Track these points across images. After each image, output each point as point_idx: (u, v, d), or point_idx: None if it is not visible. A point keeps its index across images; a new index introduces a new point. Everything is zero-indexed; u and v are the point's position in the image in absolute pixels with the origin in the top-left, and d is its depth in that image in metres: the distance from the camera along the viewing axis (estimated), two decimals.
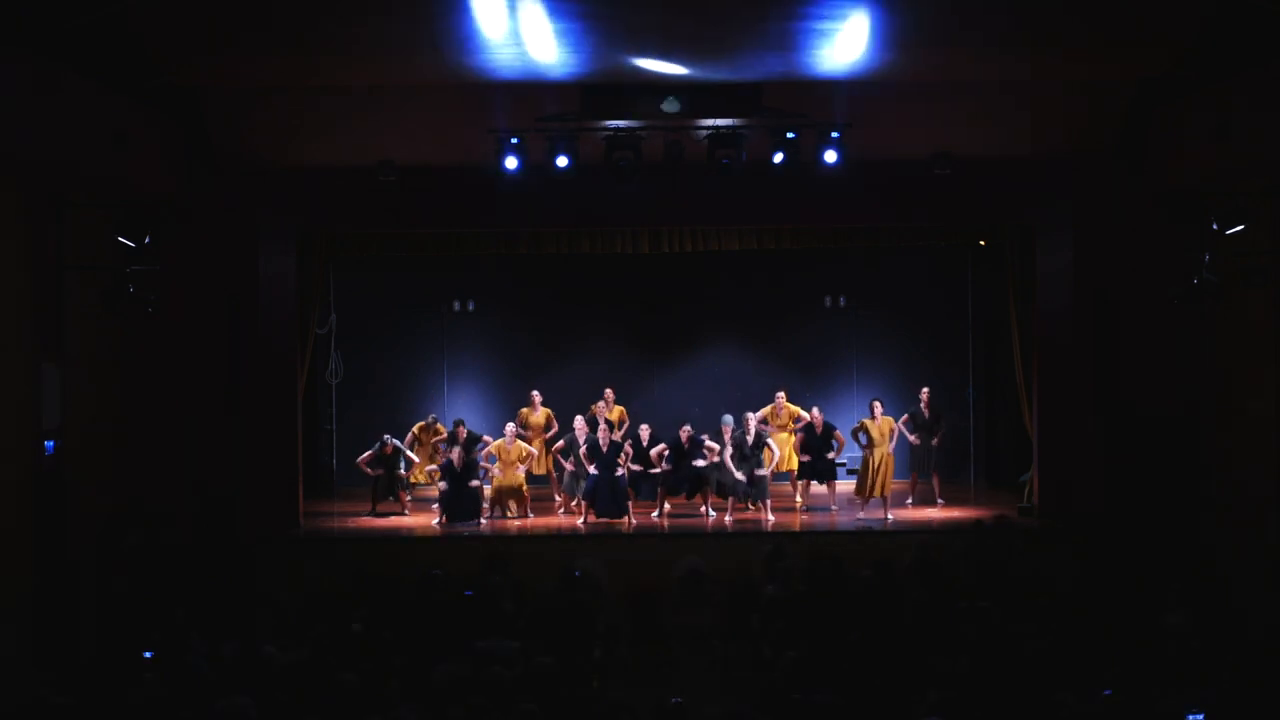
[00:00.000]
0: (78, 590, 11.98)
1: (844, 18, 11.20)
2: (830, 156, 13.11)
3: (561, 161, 13.08)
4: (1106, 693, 8.17)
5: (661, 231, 16.32)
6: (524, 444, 15.42)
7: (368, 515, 15.54)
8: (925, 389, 15.99)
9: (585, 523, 14.84)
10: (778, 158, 13.17)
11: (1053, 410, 14.79)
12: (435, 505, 15.13)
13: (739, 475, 14.81)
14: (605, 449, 14.82)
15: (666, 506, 15.25)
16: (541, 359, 17.91)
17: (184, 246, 13.54)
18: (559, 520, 15.31)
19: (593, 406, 15.89)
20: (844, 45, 11.70)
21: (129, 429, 13.18)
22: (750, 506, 15.12)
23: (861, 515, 15.11)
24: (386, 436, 15.50)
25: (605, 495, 14.75)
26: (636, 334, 18.16)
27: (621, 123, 13.00)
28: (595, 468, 14.81)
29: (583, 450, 14.99)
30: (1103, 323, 14.32)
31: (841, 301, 18.18)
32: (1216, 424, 13.72)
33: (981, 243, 16.69)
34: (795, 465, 15.90)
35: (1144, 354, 14.17)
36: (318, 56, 11.99)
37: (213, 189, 13.96)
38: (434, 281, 17.89)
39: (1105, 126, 13.79)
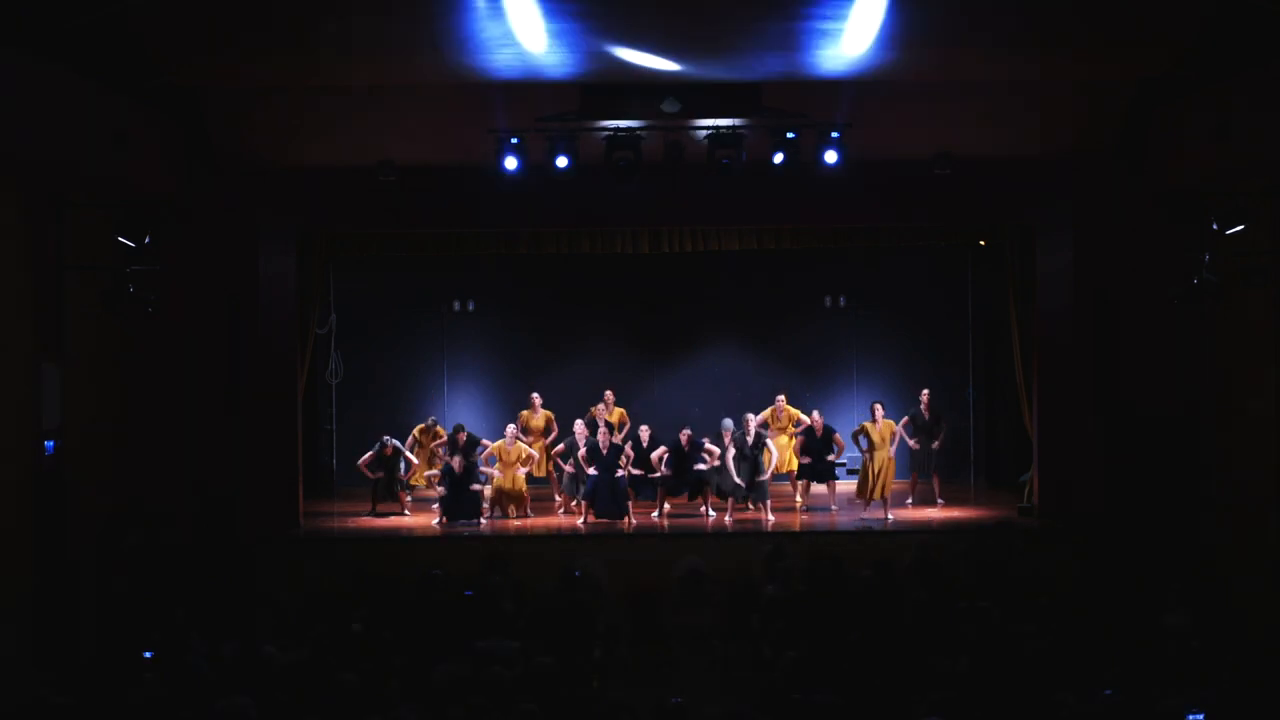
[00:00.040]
0: (78, 590, 11.98)
1: (844, 17, 11.20)
2: (831, 157, 13.10)
3: (561, 162, 13.08)
4: (1107, 692, 8.17)
5: (661, 231, 16.31)
6: (524, 445, 15.42)
7: (368, 515, 15.54)
8: (925, 391, 15.99)
9: (585, 523, 14.84)
10: (778, 158, 13.16)
11: (1053, 410, 14.79)
12: (435, 505, 15.13)
13: (738, 480, 14.82)
14: (605, 451, 14.83)
15: (666, 507, 15.25)
16: (541, 359, 17.91)
17: (184, 246, 13.54)
18: (559, 520, 15.30)
19: (592, 409, 15.88)
20: (844, 45, 11.70)
21: (129, 429, 13.18)
22: (750, 507, 15.12)
23: (863, 516, 15.10)
24: (386, 437, 15.49)
25: (605, 496, 14.76)
26: (636, 334, 18.15)
27: (621, 123, 13.00)
28: (595, 469, 14.82)
29: (582, 453, 15.00)
30: (1103, 323, 14.32)
31: (841, 301, 18.17)
32: (1216, 424, 13.72)
33: (981, 243, 16.69)
34: (795, 466, 15.90)
35: (1144, 354, 14.17)
36: (318, 56, 11.99)
37: (213, 189, 13.96)
38: (434, 281, 17.88)
39: (1105, 126, 13.79)
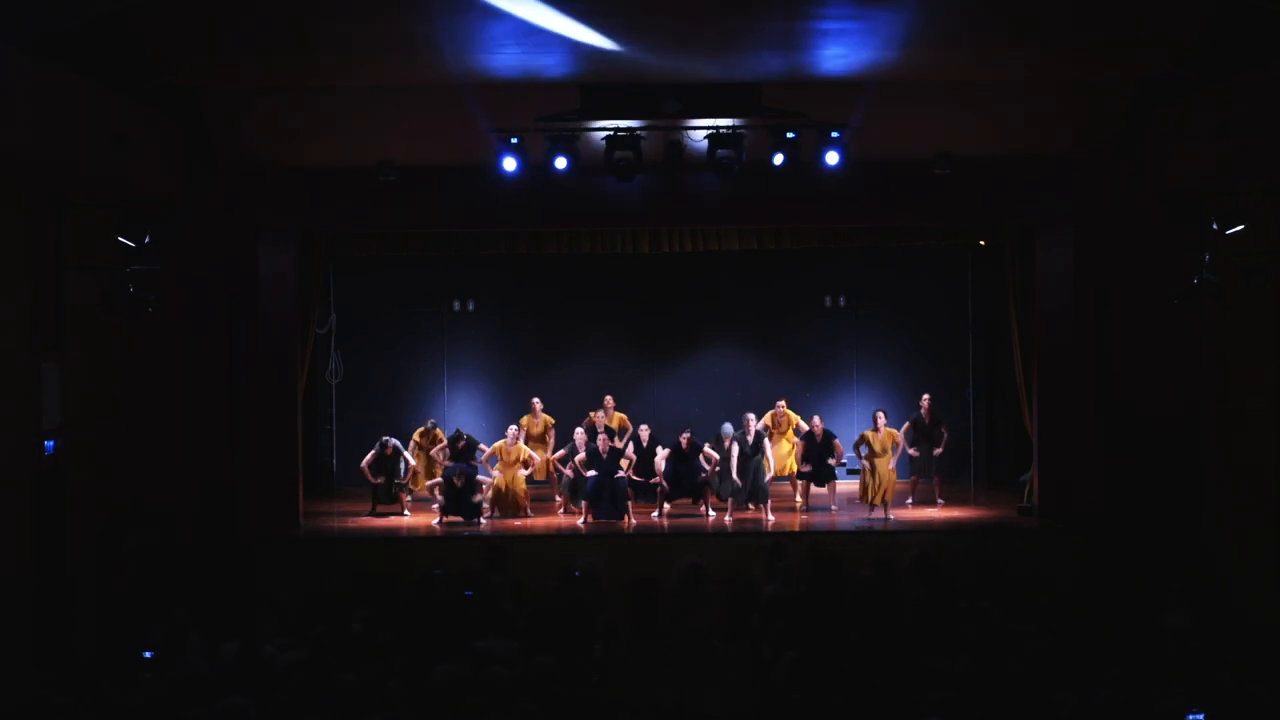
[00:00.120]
0: (77, 590, 11.99)
1: (844, 17, 11.20)
2: (832, 158, 13.11)
3: (561, 162, 13.09)
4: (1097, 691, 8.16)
5: (661, 231, 16.30)
6: (525, 446, 15.42)
7: (368, 515, 15.54)
8: (926, 396, 16.02)
9: (585, 523, 14.84)
10: (778, 158, 13.17)
11: (1053, 410, 14.78)
12: (435, 505, 15.13)
13: (739, 482, 14.83)
14: (605, 455, 14.85)
15: (667, 507, 15.25)
16: (541, 359, 17.91)
17: (184, 246, 13.54)
18: (559, 520, 15.30)
19: (591, 414, 15.87)
20: (844, 45, 11.70)
21: (129, 429, 13.19)
22: (751, 507, 15.12)
23: (867, 516, 15.11)
24: (386, 437, 15.49)
25: (604, 497, 14.76)
26: (636, 334, 18.15)
27: (621, 123, 13.00)
28: (594, 471, 14.84)
29: (580, 458, 15.02)
30: (1103, 323, 14.32)
31: (841, 301, 18.16)
32: (1216, 424, 13.72)
33: (981, 243, 16.68)
34: (794, 468, 15.90)
35: (1144, 354, 14.17)
36: (318, 56, 12.00)
37: (213, 189, 13.97)
38: (434, 281, 17.87)
39: (1105, 126, 13.79)
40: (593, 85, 12.81)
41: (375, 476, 15.49)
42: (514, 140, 13.09)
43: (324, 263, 16.26)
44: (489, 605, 10.71)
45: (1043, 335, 14.92)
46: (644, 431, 15.30)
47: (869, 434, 15.27)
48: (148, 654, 9.52)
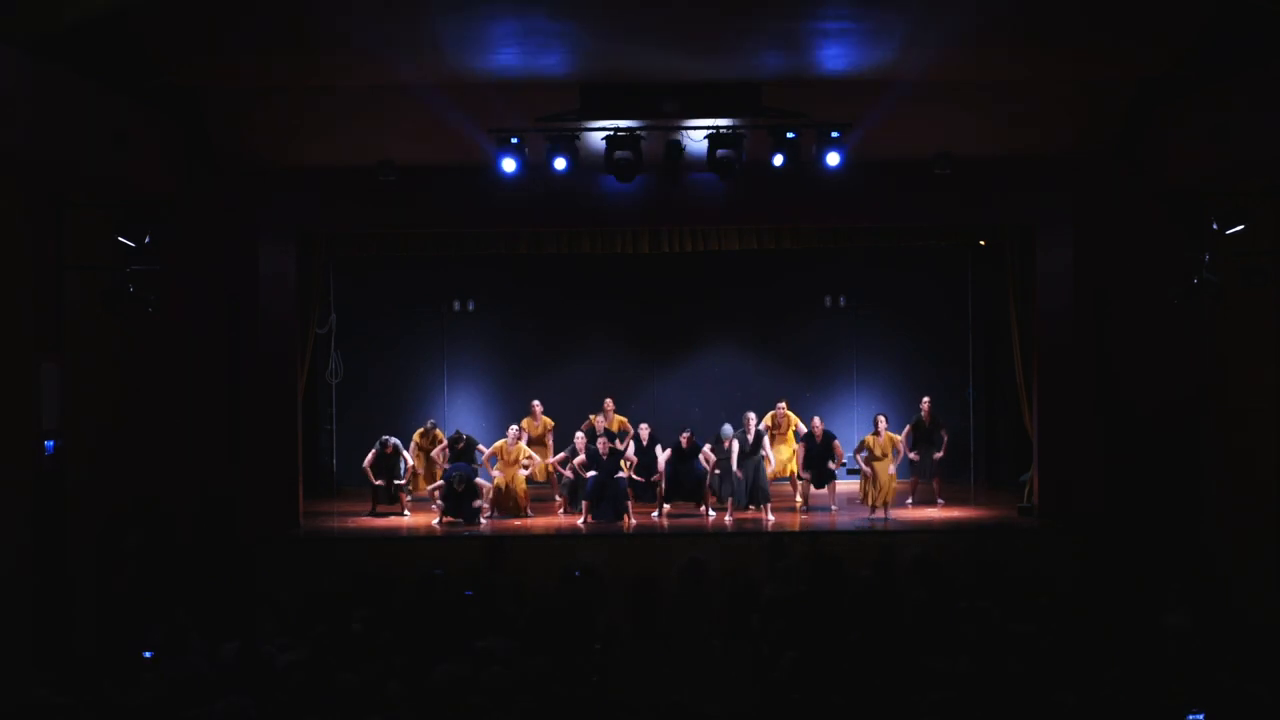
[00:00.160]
0: (77, 590, 11.99)
1: (844, 17, 11.20)
2: (833, 159, 13.10)
3: (560, 162, 13.08)
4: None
5: (661, 231, 16.30)
6: (525, 446, 15.42)
7: (368, 515, 15.54)
8: (926, 399, 16.04)
9: (585, 523, 14.84)
10: (777, 159, 13.16)
11: (1053, 410, 14.78)
12: (435, 506, 15.13)
13: (739, 474, 14.83)
14: (605, 456, 14.85)
15: (666, 507, 15.26)
16: (541, 359, 17.91)
17: (184, 246, 13.54)
18: (559, 520, 15.30)
19: (591, 417, 15.86)
20: (844, 45, 11.70)
21: (129, 429, 13.18)
22: (751, 508, 15.12)
23: (867, 517, 15.11)
24: (386, 436, 15.50)
25: (604, 498, 14.77)
26: (636, 334, 18.15)
27: (621, 123, 13.00)
28: (594, 471, 14.85)
29: (580, 459, 15.03)
30: (1103, 323, 14.32)
31: (841, 301, 18.17)
32: (1216, 424, 13.72)
33: (981, 243, 16.68)
34: (795, 470, 15.90)
35: (1144, 354, 14.17)
36: (318, 56, 12.00)
37: (213, 189, 13.97)
38: (434, 281, 17.87)
39: (1105, 126, 13.79)
40: (593, 85, 12.81)
41: (377, 477, 15.48)
42: (514, 140, 13.08)
43: (324, 263, 16.26)
44: (489, 605, 10.71)
45: (1043, 335, 14.92)
46: (644, 430, 15.30)
47: (869, 439, 15.26)
48: (148, 654, 9.52)
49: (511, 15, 11.27)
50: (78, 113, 11.18)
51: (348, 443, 17.28)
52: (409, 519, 15.42)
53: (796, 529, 14.63)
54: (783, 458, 15.82)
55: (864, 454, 15.16)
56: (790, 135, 13.00)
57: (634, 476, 15.04)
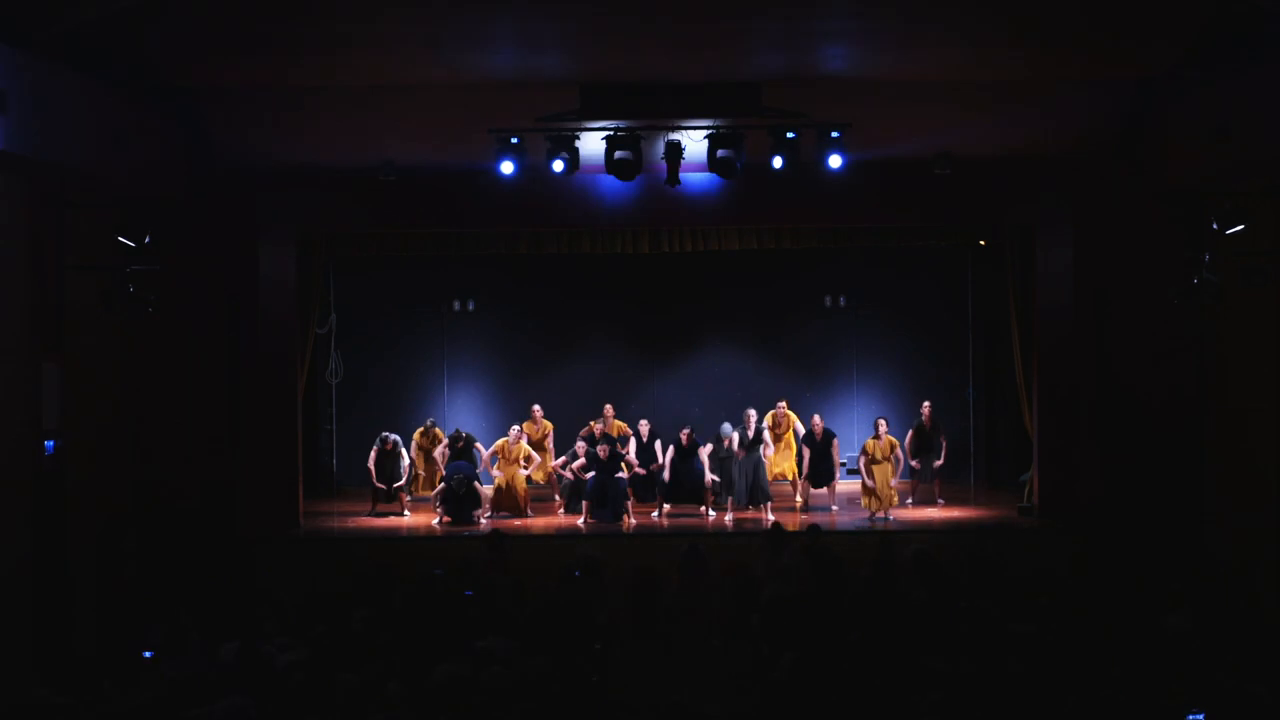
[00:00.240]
0: (77, 590, 11.98)
1: (844, 17, 11.20)
2: (835, 161, 13.07)
3: (560, 163, 13.07)
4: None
5: (661, 231, 16.30)
6: (527, 445, 15.42)
7: (368, 515, 15.55)
8: (926, 404, 16.05)
9: (585, 523, 14.84)
10: (777, 159, 13.14)
11: (1053, 410, 14.79)
12: (436, 505, 15.13)
13: (740, 456, 14.84)
14: (605, 458, 14.85)
15: (666, 507, 15.26)
16: (541, 359, 17.91)
17: (184, 246, 13.53)
18: (559, 520, 15.31)
19: (591, 424, 15.85)
20: (844, 45, 11.70)
21: (129, 429, 13.18)
22: (751, 508, 15.12)
23: (867, 517, 15.11)
24: (385, 433, 15.50)
25: (604, 499, 14.77)
26: (636, 334, 18.15)
27: (621, 123, 12.99)
28: (594, 473, 14.86)
29: (579, 462, 15.03)
30: (1103, 322, 14.32)
31: (841, 301, 18.16)
32: (1216, 424, 13.72)
33: (981, 243, 16.69)
34: (794, 470, 15.91)
35: (1144, 354, 14.17)
36: (317, 56, 12.00)
37: (213, 189, 13.96)
38: (434, 281, 17.87)
39: (1105, 126, 13.79)
40: (593, 85, 12.80)
41: (379, 478, 15.47)
42: (514, 140, 13.08)
43: (324, 263, 16.27)
44: (489, 605, 10.71)
45: (1043, 335, 14.92)
46: (644, 426, 15.33)
47: (870, 443, 15.26)
48: (148, 654, 9.52)
49: (511, 15, 11.27)
50: (78, 113, 11.18)
51: (348, 443, 17.29)
52: (409, 519, 15.43)
53: (796, 529, 14.62)
54: (780, 468, 15.81)
55: (863, 458, 15.15)
56: (790, 135, 13.00)
57: (636, 470, 15.04)
